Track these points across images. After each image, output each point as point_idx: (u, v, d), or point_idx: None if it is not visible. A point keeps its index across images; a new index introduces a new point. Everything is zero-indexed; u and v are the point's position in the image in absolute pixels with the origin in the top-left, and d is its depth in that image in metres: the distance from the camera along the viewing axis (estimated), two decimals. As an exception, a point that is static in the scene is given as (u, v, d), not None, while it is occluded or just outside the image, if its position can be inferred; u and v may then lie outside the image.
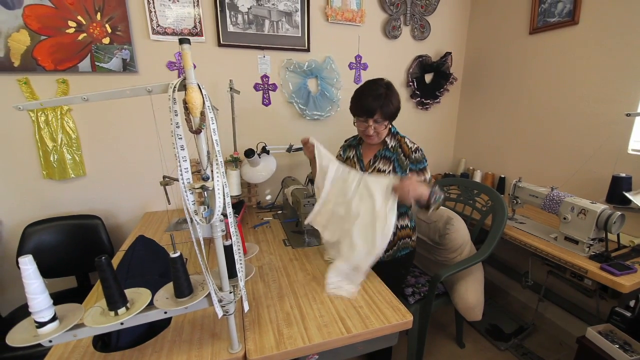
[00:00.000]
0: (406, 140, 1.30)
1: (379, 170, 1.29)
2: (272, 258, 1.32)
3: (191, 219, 0.67)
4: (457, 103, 2.53)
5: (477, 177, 2.29)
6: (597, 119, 1.66)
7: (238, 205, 1.73)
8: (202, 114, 0.65)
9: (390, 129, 1.31)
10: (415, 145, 1.29)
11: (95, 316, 0.68)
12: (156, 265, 1.08)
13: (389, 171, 1.28)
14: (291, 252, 1.38)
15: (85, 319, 0.66)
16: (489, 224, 1.65)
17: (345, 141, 1.50)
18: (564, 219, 1.41)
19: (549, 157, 1.91)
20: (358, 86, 1.30)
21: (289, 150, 1.80)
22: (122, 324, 0.68)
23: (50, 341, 0.64)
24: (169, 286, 0.75)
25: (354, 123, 1.32)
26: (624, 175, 1.47)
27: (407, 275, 1.59)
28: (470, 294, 1.52)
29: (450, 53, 2.28)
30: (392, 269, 1.26)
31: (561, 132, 1.83)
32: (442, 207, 1.69)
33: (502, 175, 2.17)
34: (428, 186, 1.11)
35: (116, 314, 0.67)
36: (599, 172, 1.64)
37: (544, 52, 1.88)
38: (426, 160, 1.28)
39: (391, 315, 0.95)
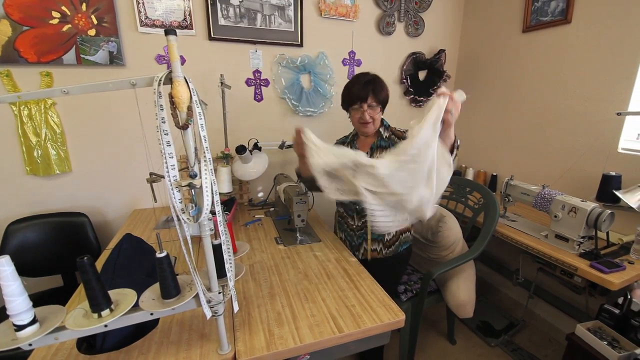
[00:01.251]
0: (398, 128, 1.37)
1: None
2: (264, 256, 1.30)
3: (178, 217, 0.64)
4: (450, 100, 2.53)
5: (469, 175, 2.30)
6: (588, 117, 1.67)
7: (229, 202, 1.70)
8: (189, 108, 0.62)
9: (382, 121, 1.36)
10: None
11: (78, 318, 0.65)
12: (144, 265, 1.06)
13: None
14: (283, 250, 1.36)
15: (66, 321, 0.64)
16: (481, 222, 1.65)
17: (337, 140, 1.50)
18: (555, 217, 1.42)
19: (541, 155, 1.93)
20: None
21: (282, 146, 1.78)
22: (106, 326, 0.65)
23: (30, 344, 0.61)
24: (155, 287, 0.73)
25: (348, 117, 1.35)
26: (613, 173, 1.48)
27: (405, 270, 1.60)
28: (462, 291, 1.52)
29: (444, 50, 2.27)
30: (393, 265, 1.27)
31: (553, 130, 1.85)
32: (434, 205, 1.69)
33: (494, 173, 2.18)
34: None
35: (100, 316, 0.65)
36: (589, 170, 1.66)
37: (537, 50, 1.89)
38: None
39: (384, 314, 0.94)
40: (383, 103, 1.30)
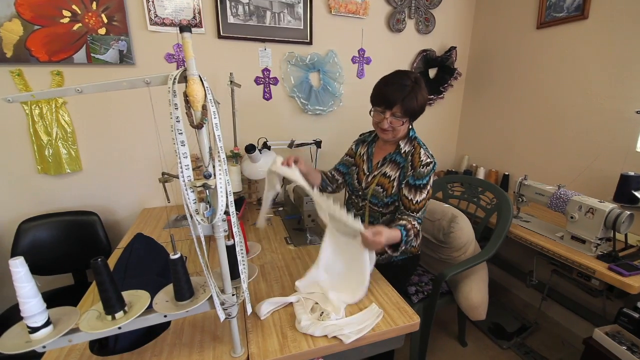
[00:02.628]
0: (421, 150, 1.19)
1: (385, 175, 1.24)
2: (274, 257, 1.29)
3: (192, 218, 0.63)
4: (460, 99, 2.49)
5: (481, 174, 2.26)
6: (605, 116, 1.63)
7: (238, 201, 1.70)
8: (204, 107, 0.61)
9: (409, 131, 1.23)
10: (428, 160, 1.16)
11: (92, 320, 0.64)
12: (155, 265, 1.05)
13: (395, 178, 1.22)
14: (293, 250, 1.34)
15: (80, 323, 0.63)
16: (493, 222, 1.62)
17: (360, 135, 1.45)
18: (571, 217, 1.38)
19: (555, 154, 1.88)
20: (383, 76, 1.20)
21: (291, 145, 1.76)
22: (119, 328, 0.64)
23: (44, 347, 0.61)
24: (169, 288, 0.72)
25: (370, 112, 1.23)
26: (632, 173, 1.44)
27: (405, 282, 1.49)
28: (475, 293, 1.50)
29: (455, 47, 2.23)
30: (389, 274, 1.18)
31: (568, 129, 1.80)
32: (446, 205, 1.67)
33: (506, 173, 2.14)
34: (397, 231, 1.07)
35: (113, 318, 0.64)
36: (607, 170, 1.62)
37: (552, 47, 1.84)
38: (430, 178, 1.17)
39: (398, 317, 0.92)
40: (412, 114, 1.15)
